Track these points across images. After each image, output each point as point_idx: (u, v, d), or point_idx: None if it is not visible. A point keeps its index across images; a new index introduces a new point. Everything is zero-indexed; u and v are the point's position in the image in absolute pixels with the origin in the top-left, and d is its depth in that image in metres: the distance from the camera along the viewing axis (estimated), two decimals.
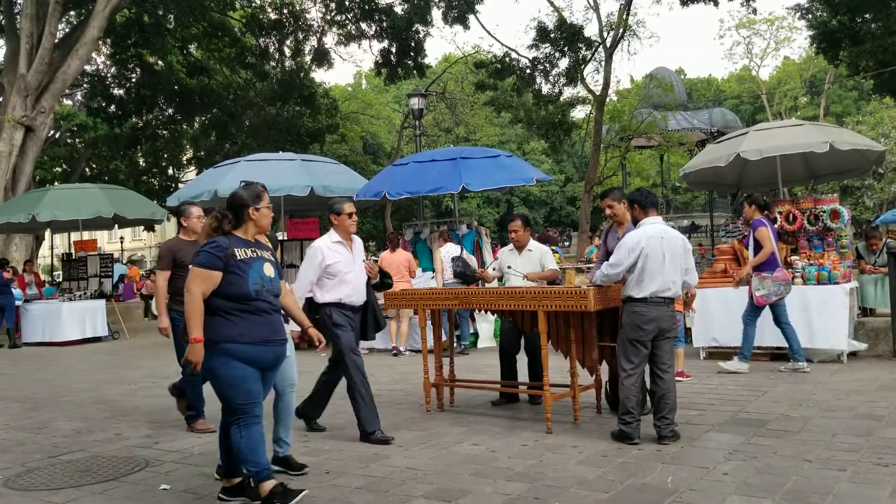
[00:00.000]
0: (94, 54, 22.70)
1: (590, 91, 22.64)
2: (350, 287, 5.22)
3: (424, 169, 11.07)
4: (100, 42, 21.14)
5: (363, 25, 24.47)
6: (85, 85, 25.74)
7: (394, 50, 24.27)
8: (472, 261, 9.98)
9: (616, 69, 67.02)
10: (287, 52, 26.01)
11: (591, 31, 51.89)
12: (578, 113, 26.67)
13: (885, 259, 8.95)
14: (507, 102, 24.22)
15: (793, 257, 8.24)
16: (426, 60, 25.46)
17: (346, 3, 24.02)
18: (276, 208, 13.80)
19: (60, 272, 16.84)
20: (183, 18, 23.22)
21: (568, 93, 23.35)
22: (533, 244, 6.41)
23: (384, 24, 23.69)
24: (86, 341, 13.33)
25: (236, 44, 25.11)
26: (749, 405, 5.82)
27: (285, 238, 12.98)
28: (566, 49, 21.84)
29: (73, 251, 16.07)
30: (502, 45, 36.29)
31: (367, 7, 23.67)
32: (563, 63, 22.39)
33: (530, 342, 6.28)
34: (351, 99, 37.45)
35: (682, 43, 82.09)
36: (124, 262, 31.14)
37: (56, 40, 18.25)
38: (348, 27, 24.81)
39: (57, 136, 27.87)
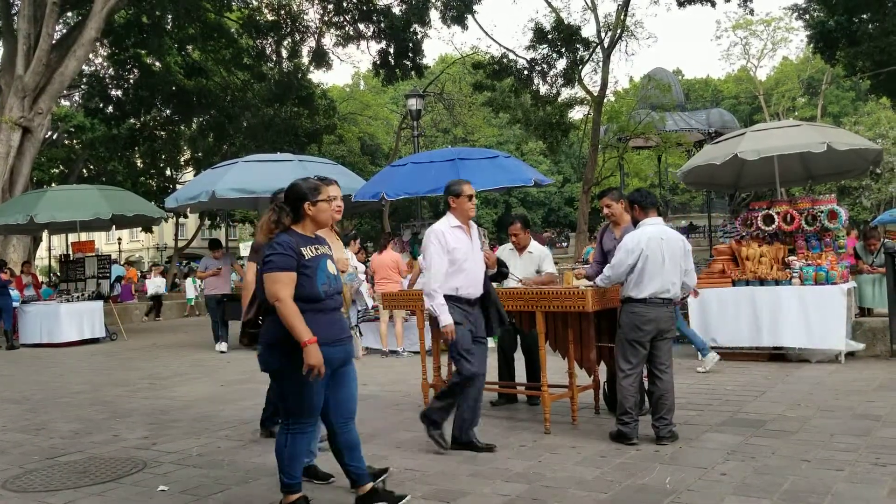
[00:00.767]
0: (91, 55, 22.72)
1: (587, 92, 22.66)
2: (467, 277, 4.74)
3: (422, 170, 11.06)
4: (98, 43, 21.13)
5: (361, 26, 24.51)
6: (83, 86, 25.72)
7: (392, 51, 24.30)
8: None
9: (614, 70, 67.25)
10: (284, 53, 26.02)
11: (588, 31, 51.90)
12: (576, 114, 26.76)
13: (882, 259, 8.97)
14: (505, 103, 24.25)
15: (790, 258, 8.25)
16: (424, 61, 25.49)
17: (344, 4, 24.02)
18: None
19: (58, 273, 16.80)
20: (179, 20, 23.21)
21: (566, 93, 23.40)
22: (534, 245, 6.41)
23: (382, 24, 23.71)
24: (83, 342, 13.31)
25: (233, 45, 25.11)
26: (747, 405, 5.83)
27: None
28: (564, 50, 21.88)
29: (70, 252, 16.04)
30: (500, 45, 36.30)
31: (364, 8, 23.68)
32: (561, 64, 22.45)
33: (526, 342, 6.29)
34: (349, 100, 37.48)
35: (679, 44, 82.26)
36: (122, 263, 31.15)
37: (53, 41, 18.22)
38: (346, 28, 24.83)
39: (54, 137, 27.84)
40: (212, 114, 26.64)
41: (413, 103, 18.05)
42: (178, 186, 29.59)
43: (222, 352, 11.19)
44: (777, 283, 8.04)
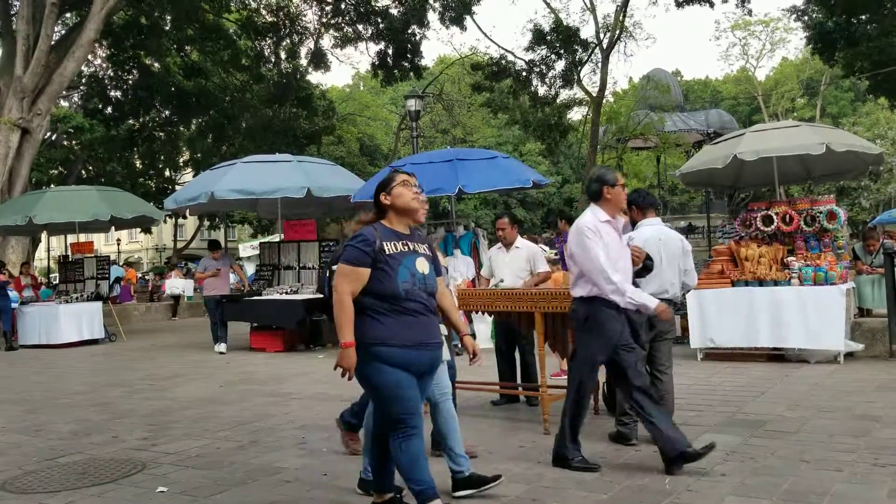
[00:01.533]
0: (90, 56, 22.68)
1: (586, 93, 22.68)
2: (618, 276, 4.21)
3: (421, 170, 11.05)
4: (97, 44, 21.10)
5: (360, 27, 24.50)
6: (82, 87, 25.71)
7: (390, 52, 24.30)
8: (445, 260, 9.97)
9: (613, 71, 67.27)
10: (283, 54, 26.02)
11: (587, 32, 51.81)
12: (575, 115, 26.77)
13: (881, 259, 8.97)
14: (504, 104, 24.26)
15: (790, 258, 8.26)
16: (423, 62, 25.50)
17: (342, 5, 24.02)
18: (274, 210, 13.81)
19: (57, 274, 16.79)
20: (178, 21, 23.21)
21: (564, 94, 23.45)
22: (521, 242, 6.44)
23: (381, 26, 23.70)
24: (82, 343, 13.29)
25: (231, 46, 25.11)
26: (746, 406, 5.83)
27: (282, 240, 12.97)
28: (562, 51, 21.89)
29: (69, 253, 16.03)
30: (499, 46, 36.42)
31: (363, 9, 23.68)
32: (560, 65, 22.49)
33: (519, 342, 6.30)
34: (348, 101, 37.49)
35: (678, 44, 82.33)
36: (121, 263, 31.09)
37: (52, 42, 18.20)
38: (344, 29, 24.83)
39: (53, 138, 27.85)
40: (211, 115, 26.63)
41: (412, 104, 18.05)
42: (177, 187, 29.61)
43: (221, 353, 11.18)
44: (776, 283, 8.04)
